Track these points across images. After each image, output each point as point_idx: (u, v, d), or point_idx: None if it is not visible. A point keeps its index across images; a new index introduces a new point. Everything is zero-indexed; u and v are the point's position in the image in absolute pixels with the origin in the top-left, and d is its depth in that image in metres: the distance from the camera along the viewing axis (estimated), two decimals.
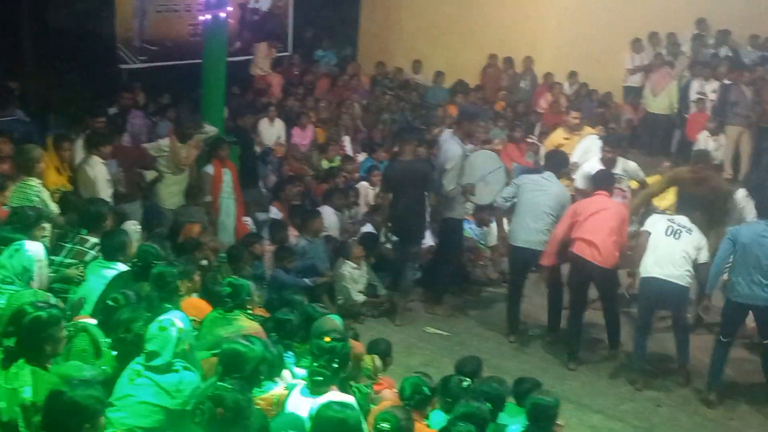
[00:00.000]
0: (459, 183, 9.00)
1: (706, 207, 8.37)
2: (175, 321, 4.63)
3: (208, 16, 10.00)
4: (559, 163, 9.02)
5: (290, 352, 5.85)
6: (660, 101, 14.91)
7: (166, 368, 4.52)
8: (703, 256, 7.89)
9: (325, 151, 12.18)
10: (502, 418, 5.59)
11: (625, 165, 9.38)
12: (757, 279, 7.39)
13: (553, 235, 8.38)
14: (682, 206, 8.61)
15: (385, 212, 9.50)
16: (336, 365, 4.86)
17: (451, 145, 9.05)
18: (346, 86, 15.16)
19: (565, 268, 8.63)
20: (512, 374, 6.76)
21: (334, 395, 4.64)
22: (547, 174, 8.80)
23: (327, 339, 5.00)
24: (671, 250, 7.83)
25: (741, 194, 8.86)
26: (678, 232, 7.90)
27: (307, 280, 8.72)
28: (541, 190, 8.58)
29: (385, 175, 9.75)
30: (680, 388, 7.91)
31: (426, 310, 9.40)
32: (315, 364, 4.91)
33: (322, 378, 4.84)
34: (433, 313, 9.36)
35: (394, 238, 9.63)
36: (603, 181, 8.52)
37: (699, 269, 7.88)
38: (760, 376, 7.89)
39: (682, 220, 8.02)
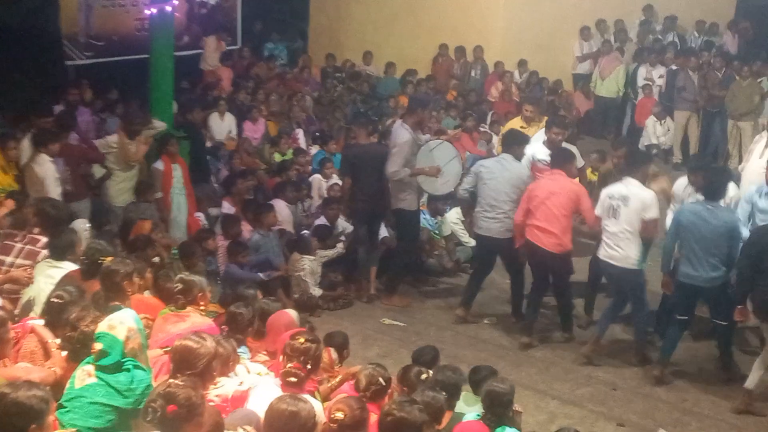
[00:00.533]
0: (408, 168, 9.03)
1: None
2: (124, 319, 4.56)
3: (154, 10, 9.89)
4: (514, 142, 8.85)
5: (244, 347, 5.81)
6: (607, 85, 15.08)
7: (117, 367, 4.44)
8: (651, 213, 7.67)
9: (277, 145, 12.11)
10: (460, 406, 5.61)
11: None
12: (699, 260, 7.41)
13: (514, 222, 8.39)
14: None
15: (345, 196, 9.56)
16: (309, 366, 4.91)
17: (400, 131, 9.11)
18: (296, 79, 15.09)
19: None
20: (469, 362, 6.79)
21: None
22: (503, 156, 8.76)
23: (301, 340, 5.00)
24: (613, 231, 7.80)
25: (681, 183, 8.40)
26: (617, 209, 7.75)
27: (261, 275, 8.66)
28: (497, 177, 8.55)
29: (344, 159, 9.84)
30: (635, 372, 7.96)
31: (382, 302, 9.40)
32: (289, 365, 4.91)
33: (296, 379, 4.83)
34: (390, 304, 9.36)
35: (349, 228, 9.66)
36: (559, 159, 8.41)
37: (647, 226, 7.70)
38: (711, 360, 8.03)
39: (619, 189, 7.79)
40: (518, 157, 8.74)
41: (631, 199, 7.70)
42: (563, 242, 8.16)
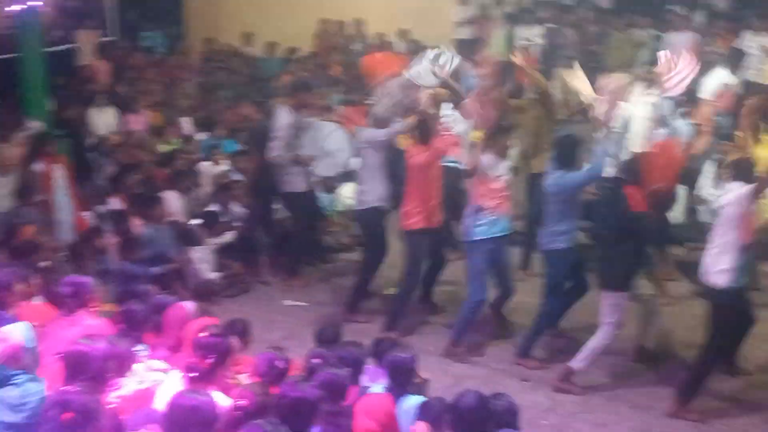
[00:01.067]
0: (293, 152, 8.95)
1: None
2: (10, 331, 4.42)
3: (20, 7, 9.59)
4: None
5: (142, 345, 5.71)
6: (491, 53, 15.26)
7: (6, 382, 4.30)
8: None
9: (162, 135, 11.87)
10: (365, 380, 5.63)
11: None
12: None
13: None
14: None
15: (248, 175, 9.63)
16: (212, 361, 4.80)
17: (280, 114, 9.03)
18: (176, 66, 14.80)
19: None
20: (373, 336, 6.80)
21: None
22: (369, 129, 8.45)
23: (202, 334, 4.94)
24: None
25: None
26: None
27: (155, 269, 8.49)
28: (364, 151, 8.39)
29: (249, 140, 9.93)
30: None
31: (282, 283, 9.37)
32: (191, 359, 4.84)
33: (197, 374, 4.76)
34: (290, 285, 9.33)
35: (244, 210, 9.61)
36: (418, 129, 7.88)
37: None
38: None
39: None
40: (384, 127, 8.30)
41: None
42: (407, 218, 7.92)
